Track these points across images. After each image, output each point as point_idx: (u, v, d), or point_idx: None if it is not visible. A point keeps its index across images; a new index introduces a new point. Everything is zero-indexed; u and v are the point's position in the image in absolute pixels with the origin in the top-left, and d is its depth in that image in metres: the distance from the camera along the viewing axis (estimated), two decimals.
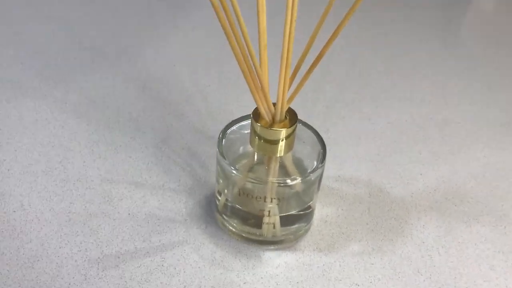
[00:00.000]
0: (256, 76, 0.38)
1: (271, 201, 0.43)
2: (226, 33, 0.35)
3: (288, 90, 0.40)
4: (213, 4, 0.33)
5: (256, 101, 0.39)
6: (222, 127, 0.44)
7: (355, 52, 0.73)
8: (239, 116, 0.45)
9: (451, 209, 0.49)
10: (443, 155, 0.56)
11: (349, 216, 0.48)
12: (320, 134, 0.44)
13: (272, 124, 0.40)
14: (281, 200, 0.43)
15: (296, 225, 0.45)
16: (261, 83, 0.38)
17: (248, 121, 0.45)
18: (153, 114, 0.59)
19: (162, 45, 0.71)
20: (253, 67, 0.37)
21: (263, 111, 0.40)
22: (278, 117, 0.40)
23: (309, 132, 0.44)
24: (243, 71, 0.37)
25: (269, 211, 0.43)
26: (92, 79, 0.64)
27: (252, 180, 0.42)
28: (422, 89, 0.66)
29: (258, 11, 0.35)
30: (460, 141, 0.58)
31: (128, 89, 0.62)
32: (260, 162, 0.43)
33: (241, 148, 0.46)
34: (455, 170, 0.54)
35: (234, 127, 0.45)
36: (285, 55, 0.38)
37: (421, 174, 0.53)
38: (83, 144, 0.54)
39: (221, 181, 0.44)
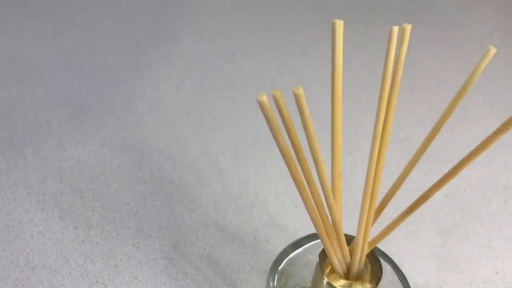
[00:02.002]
0: (327, 215, 0.27)
1: None
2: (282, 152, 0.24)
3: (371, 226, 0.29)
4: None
5: (326, 246, 0.28)
6: (247, 216, 0.33)
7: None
8: (294, 233, 0.34)
9: None
10: None
11: None
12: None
13: (346, 278, 0.29)
14: None
15: None
16: (333, 220, 0.27)
17: (310, 244, 0.34)
18: (157, 203, 0.47)
19: (158, 96, 0.59)
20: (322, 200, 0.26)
21: (335, 262, 0.29)
22: (355, 270, 0.29)
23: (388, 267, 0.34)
24: (307, 207, 0.26)
25: None
26: (73, 152, 0.51)
27: None
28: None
29: (332, 126, 0.24)
30: None
31: (122, 167, 0.50)
32: None
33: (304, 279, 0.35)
34: None
35: (290, 257, 0.34)
36: (370, 184, 0.27)
37: (497, 273, 0.43)
38: (72, 260, 0.42)
39: None
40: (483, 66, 0.24)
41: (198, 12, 0.76)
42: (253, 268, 0.42)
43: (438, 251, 0.44)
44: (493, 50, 0.23)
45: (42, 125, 0.54)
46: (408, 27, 0.23)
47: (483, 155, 0.54)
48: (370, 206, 0.27)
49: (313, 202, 0.25)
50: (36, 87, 0.59)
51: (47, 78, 0.61)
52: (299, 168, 0.24)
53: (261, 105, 0.21)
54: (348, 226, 0.34)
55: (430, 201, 0.50)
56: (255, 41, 0.71)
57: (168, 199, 0.47)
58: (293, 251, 0.35)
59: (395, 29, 0.23)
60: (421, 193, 0.27)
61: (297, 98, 0.20)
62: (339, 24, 0.23)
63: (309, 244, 0.35)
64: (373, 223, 0.29)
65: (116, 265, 0.42)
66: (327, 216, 0.27)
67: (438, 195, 0.49)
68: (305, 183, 0.24)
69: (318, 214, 0.26)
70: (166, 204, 0.47)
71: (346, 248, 0.28)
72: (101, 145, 0.52)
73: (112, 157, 0.51)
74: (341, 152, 0.26)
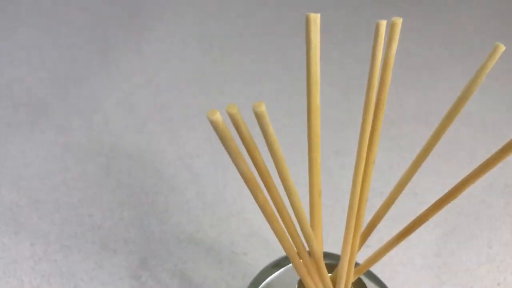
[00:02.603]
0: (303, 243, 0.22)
1: None
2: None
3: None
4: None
5: (304, 280, 0.24)
6: (224, 227, 0.29)
7: None
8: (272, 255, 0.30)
9: None
10: None
11: None
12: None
13: None
14: None
15: None
16: (312, 253, 0.23)
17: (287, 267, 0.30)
18: (125, 214, 0.42)
19: (128, 93, 0.54)
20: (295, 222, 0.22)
21: None
22: None
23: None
24: (276, 231, 0.22)
25: None
26: (33, 158, 0.46)
27: None
28: (467, 143, 0.52)
29: (309, 134, 0.20)
30: None
31: (86, 173, 0.45)
32: None
33: None
34: None
35: (269, 279, 0.30)
36: (354, 207, 0.22)
37: (498, 285, 0.40)
38: (27, 282, 0.37)
39: None
40: (490, 66, 0.19)
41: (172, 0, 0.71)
42: (229, 286, 0.38)
43: (434, 261, 0.41)
44: (502, 48, 0.19)
45: (0, 128, 0.49)
46: (399, 21, 0.19)
47: (481, 153, 0.50)
48: (355, 232, 0.23)
49: (287, 233, 0.21)
50: None
51: (6, 74, 0.55)
52: (267, 195, 0.19)
53: (213, 124, 0.16)
54: (334, 240, 0.30)
55: (424, 204, 0.46)
56: (235, 30, 0.66)
57: (137, 209, 0.43)
58: (274, 272, 0.31)
59: (383, 24, 0.19)
60: (416, 213, 0.23)
61: (258, 117, 0.16)
62: (315, 19, 0.19)
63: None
64: (359, 249, 0.25)
65: (76, 286, 0.37)
66: (305, 248, 0.23)
67: (433, 198, 0.45)
68: (276, 213, 0.20)
69: (293, 246, 0.22)
70: (134, 215, 0.42)
71: (328, 279, 0.24)
72: (64, 149, 0.47)
73: (76, 162, 0.46)
74: (320, 168, 0.22)
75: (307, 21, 0.19)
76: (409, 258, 0.40)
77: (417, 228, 0.23)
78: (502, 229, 0.43)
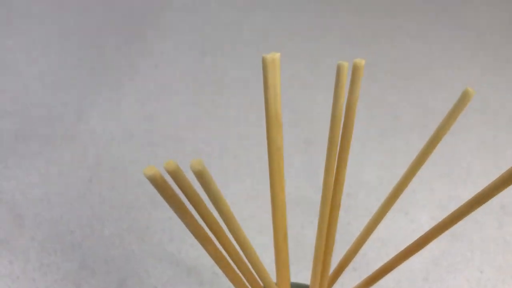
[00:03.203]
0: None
1: None
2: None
3: None
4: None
5: None
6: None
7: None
8: None
9: None
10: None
11: None
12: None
13: None
14: None
15: None
16: None
17: None
18: (106, 231, 0.41)
19: (115, 102, 0.53)
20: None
21: None
22: None
23: None
24: (233, 282, 0.21)
25: None
26: (15, 171, 0.45)
27: None
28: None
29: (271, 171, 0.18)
30: None
31: (69, 187, 0.44)
32: None
33: None
34: None
35: None
36: (320, 255, 0.21)
37: None
38: None
39: None
40: (459, 112, 0.18)
41: (164, 4, 0.70)
42: None
43: (422, 285, 0.39)
44: (472, 94, 0.17)
45: None
46: (361, 63, 0.17)
47: (475, 169, 0.49)
48: (322, 277, 0.22)
49: (247, 284, 0.20)
50: None
51: None
52: (222, 251, 0.18)
53: (152, 181, 0.15)
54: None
55: (413, 224, 0.45)
56: (228, 37, 0.65)
57: (118, 226, 0.42)
58: None
59: (344, 66, 0.17)
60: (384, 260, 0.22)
61: (198, 175, 0.14)
62: (273, 60, 0.17)
63: None
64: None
65: None
66: None
67: (423, 217, 0.44)
68: (234, 267, 0.19)
69: None
70: (115, 232, 0.41)
71: None
72: (48, 161, 0.47)
73: (59, 175, 0.45)
74: (285, 212, 0.20)
75: (264, 63, 0.17)
76: (396, 282, 0.39)
77: (385, 274, 0.22)
78: (495, 252, 0.42)
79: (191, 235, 0.41)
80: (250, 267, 0.19)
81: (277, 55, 0.18)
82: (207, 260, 0.40)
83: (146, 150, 0.48)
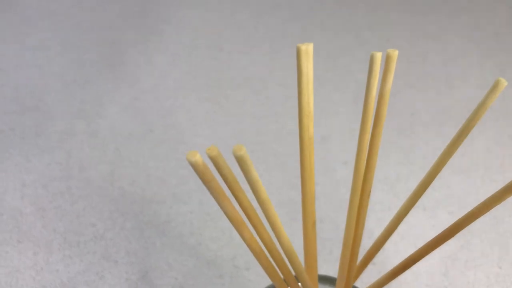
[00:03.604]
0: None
1: None
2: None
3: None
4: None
5: None
6: (226, 240, 0.28)
7: None
8: None
9: None
10: None
11: None
12: None
13: None
14: None
15: None
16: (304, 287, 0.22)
17: None
18: (127, 224, 0.42)
19: (133, 97, 0.53)
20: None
21: None
22: None
23: None
24: (265, 268, 0.21)
25: None
26: (36, 164, 0.46)
27: None
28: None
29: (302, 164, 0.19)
30: None
31: (90, 181, 0.45)
32: None
33: None
34: None
35: None
36: (349, 244, 0.22)
37: None
38: None
39: None
40: (489, 102, 0.18)
41: (181, 0, 0.70)
42: None
43: (440, 281, 0.39)
44: (503, 83, 0.18)
45: (5, 132, 0.49)
46: (394, 53, 0.18)
47: (492, 163, 0.49)
48: (350, 267, 0.22)
49: (278, 270, 0.20)
50: (1, 88, 0.54)
51: (14, 78, 0.56)
52: (257, 237, 0.19)
53: (194, 167, 0.16)
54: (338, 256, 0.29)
55: (431, 220, 0.45)
56: (244, 34, 0.65)
57: (139, 219, 0.42)
58: None
59: (378, 55, 0.18)
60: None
61: (240, 161, 0.15)
62: (306, 50, 0.18)
63: None
64: (354, 280, 0.24)
65: None
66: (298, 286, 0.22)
67: (441, 213, 0.44)
68: (268, 254, 0.19)
69: (285, 284, 0.21)
70: (135, 225, 0.42)
71: None
72: (68, 155, 0.47)
73: (80, 169, 0.46)
74: (314, 199, 0.21)
75: (298, 53, 0.18)
76: (414, 278, 0.39)
77: (403, 271, 0.22)
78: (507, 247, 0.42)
79: (210, 228, 0.42)
80: (283, 255, 0.19)
81: (311, 45, 0.18)
82: (227, 253, 0.40)
83: (165, 145, 0.49)
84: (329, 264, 0.40)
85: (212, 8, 0.70)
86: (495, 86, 0.17)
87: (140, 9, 0.68)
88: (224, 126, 0.51)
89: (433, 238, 0.21)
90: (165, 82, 0.56)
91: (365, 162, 0.20)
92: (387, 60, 0.18)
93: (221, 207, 0.17)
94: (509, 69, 0.61)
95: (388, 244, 0.41)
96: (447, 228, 0.21)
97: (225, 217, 0.45)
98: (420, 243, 0.41)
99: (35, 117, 0.51)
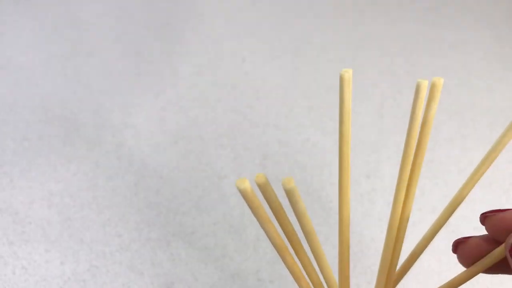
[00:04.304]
0: None
1: None
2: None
3: None
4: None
5: None
6: (250, 252, 0.28)
7: None
8: None
9: None
10: None
11: None
12: None
13: None
14: None
15: None
16: None
17: None
18: (152, 235, 0.42)
19: (160, 108, 0.54)
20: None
21: None
22: None
23: None
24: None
25: None
26: (63, 174, 0.47)
27: None
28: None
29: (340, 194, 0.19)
30: None
31: (116, 191, 0.46)
32: None
33: None
34: None
35: None
36: (385, 269, 0.22)
37: None
38: None
39: None
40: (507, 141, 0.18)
41: (207, 11, 0.71)
42: None
43: None
44: None
45: (32, 142, 0.50)
46: (440, 81, 0.18)
47: None
48: (390, 269, 0.22)
49: None
50: (29, 97, 0.55)
51: (41, 86, 0.56)
52: (297, 261, 0.19)
53: (243, 193, 0.16)
54: (361, 269, 0.29)
55: (457, 234, 0.45)
56: (268, 45, 0.65)
57: (164, 230, 0.43)
58: None
59: (424, 84, 0.18)
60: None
61: (288, 194, 0.15)
62: (348, 78, 0.18)
63: None
64: None
65: None
66: None
67: (467, 228, 0.44)
68: (307, 278, 0.19)
69: None
70: (161, 236, 0.42)
71: None
72: (95, 165, 0.48)
73: (106, 179, 0.47)
74: (349, 227, 0.21)
75: (341, 81, 0.18)
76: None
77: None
78: None
79: (235, 240, 0.42)
80: (322, 279, 0.19)
81: (350, 71, 0.18)
82: (251, 266, 0.40)
83: (190, 156, 0.49)
84: (351, 279, 0.40)
85: (236, 19, 0.70)
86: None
87: (165, 20, 0.68)
88: (249, 137, 0.51)
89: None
90: (191, 92, 0.57)
91: (405, 187, 0.20)
92: (431, 87, 0.18)
93: (266, 233, 0.17)
94: None
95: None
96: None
97: (249, 229, 0.45)
98: (446, 259, 0.40)
99: (62, 126, 0.52)
